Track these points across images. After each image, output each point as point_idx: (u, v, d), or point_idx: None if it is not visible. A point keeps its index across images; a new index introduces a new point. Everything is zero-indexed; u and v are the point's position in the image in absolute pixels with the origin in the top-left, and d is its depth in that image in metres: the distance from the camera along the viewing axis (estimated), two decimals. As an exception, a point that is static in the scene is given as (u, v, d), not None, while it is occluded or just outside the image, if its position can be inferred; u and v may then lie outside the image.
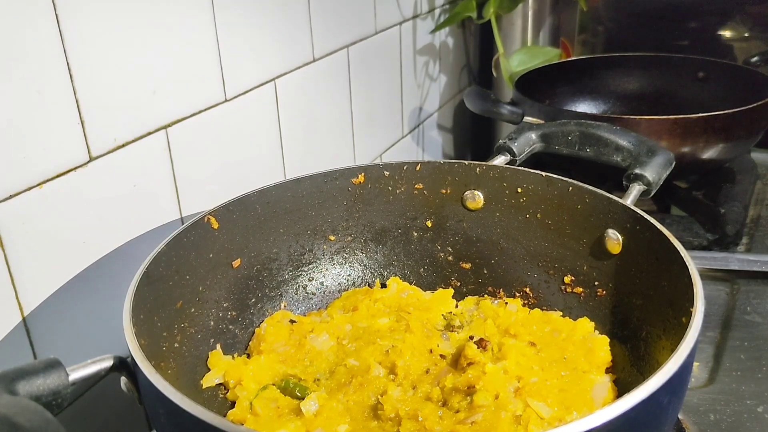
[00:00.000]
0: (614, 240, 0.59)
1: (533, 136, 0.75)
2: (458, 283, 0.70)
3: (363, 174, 0.68)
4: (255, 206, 0.63)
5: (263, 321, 0.63)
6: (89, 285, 0.57)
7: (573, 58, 1.36)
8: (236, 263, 0.62)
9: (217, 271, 0.60)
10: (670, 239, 0.52)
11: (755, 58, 1.28)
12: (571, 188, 0.63)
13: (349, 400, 0.53)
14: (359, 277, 0.70)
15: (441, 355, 0.57)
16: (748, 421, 0.61)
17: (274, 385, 0.55)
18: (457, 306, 0.66)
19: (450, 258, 0.70)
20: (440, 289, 0.69)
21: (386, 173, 0.68)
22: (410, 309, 0.63)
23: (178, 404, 0.37)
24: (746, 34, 1.30)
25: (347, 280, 0.70)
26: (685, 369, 0.40)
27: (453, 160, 0.68)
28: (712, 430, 0.60)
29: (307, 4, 0.82)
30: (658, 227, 0.54)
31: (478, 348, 0.57)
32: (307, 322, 0.64)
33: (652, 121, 0.92)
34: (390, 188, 0.69)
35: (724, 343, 0.71)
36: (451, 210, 0.69)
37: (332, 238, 0.69)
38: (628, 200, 0.61)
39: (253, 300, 0.64)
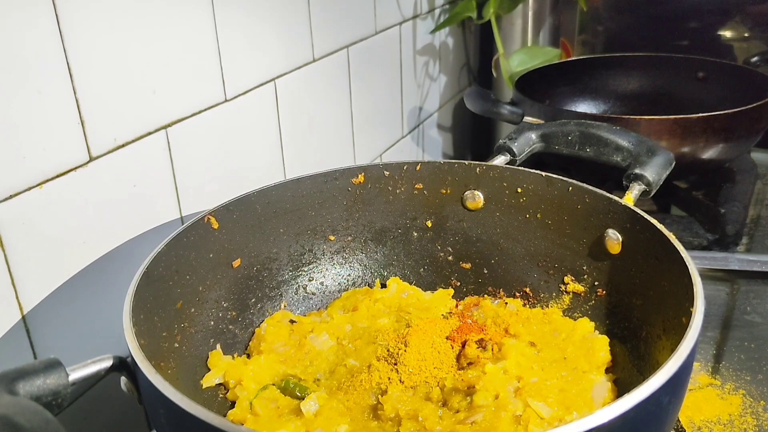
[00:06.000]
0: (614, 240, 0.59)
1: (533, 136, 0.75)
2: (458, 283, 0.70)
3: (363, 174, 0.68)
4: (255, 206, 0.63)
5: (263, 321, 0.63)
6: (89, 285, 0.57)
7: (573, 58, 1.36)
8: (236, 263, 0.62)
9: (217, 271, 0.60)
10: (670, 239, 0.52)
11: (755, 58, 1.28)
12: (571, 188, 0.63)
13: (349, 400, 0.53)
14: (359, 277, 0.70)
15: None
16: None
17: (274, 385, 0.55)
18: (457, 306, 0.66)
19: (450, 258, 0.70)
20: (440, 289, 0.69)
21: (386, 173, 0.68)
22: (410, 309, 0.63)
23: (178, 404, 0.37)
24: (746, 34, 1.30)
25: (347, 280, 0.70)
26: (685, 369, 0.40)
27: (453, 160, 0.68)
28: (713, 430, 0.60)
29: (307, 4, 0.82)
30: (658, 227, 0.54)
31: (478, 348, 0.57)
32: (307, 322, 0.64)
33: (652, 121, 0.92)
34: (390, 188, 0.69)
35: (724, 343, 0.71)
36: (451, 210, 0.69)
37: (332, 238, 0.69)
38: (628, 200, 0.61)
39: (253, 300, 0.64)
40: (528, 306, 0.66)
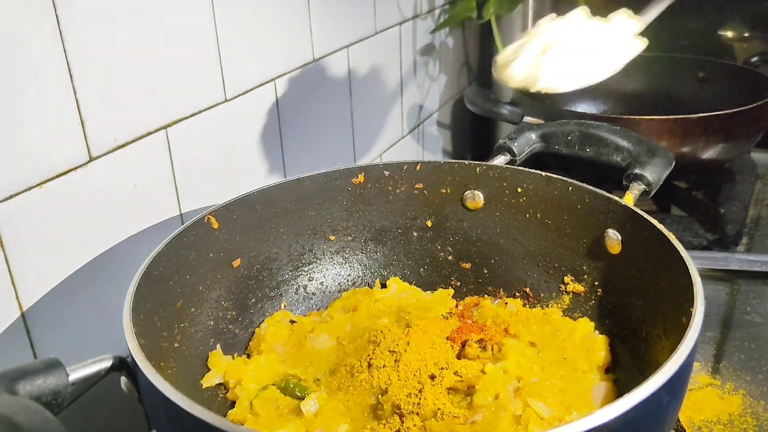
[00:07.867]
0: (614, 240, 0.59)
1: (533, 136, 0.75)
2: (458, 283, 0.70)
3: (363, 174, 0.68)
4: (255, 206, 0.63)
5: (263, 321, 0.63)
6: (89, 284, 0.57)
7: (573, 58, 1.36)
8: (236, 263, 0.62)
9: (217, 271, 0.60)
10: (670, 239, 0.52)
11: (755, 58, 1.28)
12: (571, 188, 0.63)
13: (349, 400, 0.53)
14: (359, 277, 0.70)
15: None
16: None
17: (274, 385, 0.55)
18: (457, 306, 0.66)
19: (450, 258, 0.70)
20: (440, 289, 0.69)
21: (386, 173, 0.68)
22: (410, 309, 0.63)
23: (178, 404, 0.37)
24: (746, 34, 1.30)
25: (347, 280, 0.70)
26: (685, 369, 0.40)
27: (453, 160, 0.68)
28: (713, 430, 0.60)
29: (307, 4, 0.82)
30: (658, 227, 0.54)
31: (479, 348, 0.57)
32: (307, 322, 0.64)
33: (652, 121, 0.92)
34: (390, 188, 0.69)
35: (724, 343, 0.71)
36: (451, 210, 0.69)
37: (332, 238, 0.69)
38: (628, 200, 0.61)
39: (253, 300, 0.64)
40: (528, 306, 0.66)
